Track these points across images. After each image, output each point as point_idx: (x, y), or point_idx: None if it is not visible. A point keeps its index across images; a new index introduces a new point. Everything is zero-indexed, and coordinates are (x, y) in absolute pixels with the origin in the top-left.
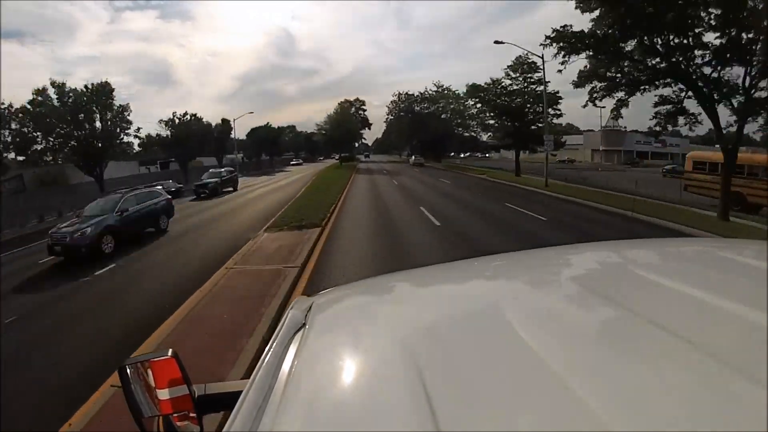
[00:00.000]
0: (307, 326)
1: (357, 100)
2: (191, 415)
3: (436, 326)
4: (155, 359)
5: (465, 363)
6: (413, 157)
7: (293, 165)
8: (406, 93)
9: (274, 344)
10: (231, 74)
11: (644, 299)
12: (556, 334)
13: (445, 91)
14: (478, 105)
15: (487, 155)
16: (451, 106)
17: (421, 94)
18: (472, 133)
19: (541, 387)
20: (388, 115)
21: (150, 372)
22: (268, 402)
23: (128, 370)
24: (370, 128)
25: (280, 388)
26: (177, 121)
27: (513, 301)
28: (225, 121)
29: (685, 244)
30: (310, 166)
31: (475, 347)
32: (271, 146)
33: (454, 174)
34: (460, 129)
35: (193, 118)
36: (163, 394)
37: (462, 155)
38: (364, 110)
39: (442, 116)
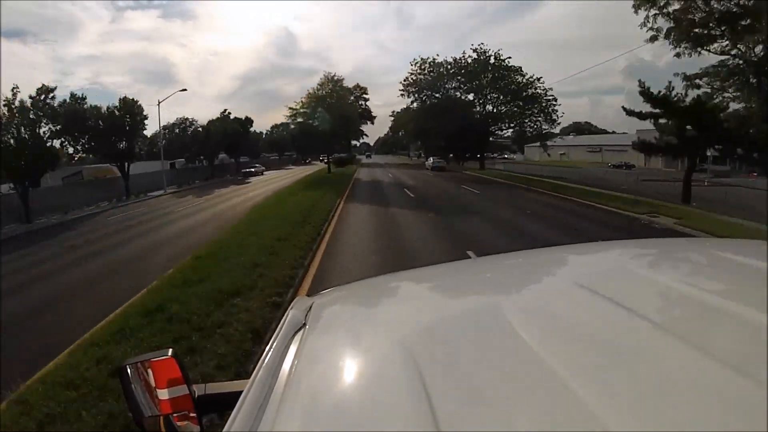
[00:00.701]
0: (307, 326)
1: (357, 87)
2: (191, 415)
3: (436, 326)
4: (155, 359)
5: (465, 363)
6: (431, 159)
7: (253, 173)
8: (432, 60)
9: (274, 344)
10: (232, 74)
11: (644, 299)
12: (556, 334)
13: (494, 60)
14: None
15: (506, 156)
16: (502, 82)
17: (455, 60)
18: (536, 123)
19: (541, 387)
20: (402, 91)
21: (150, 372)
22: (268, 402)
23: (128, 370)
24: (373, 122)
25: (280, 388)
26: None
27: (513, 300)
28: (127, 102)
29: (685, 244)
30: (283, 175)
31: (475, 347)
32: (231, 144)
33: (572, 204)
34: (509, 118)
35: (50, 95)
36: (163, 394)
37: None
38: (366, 99)
39: (489, 95)
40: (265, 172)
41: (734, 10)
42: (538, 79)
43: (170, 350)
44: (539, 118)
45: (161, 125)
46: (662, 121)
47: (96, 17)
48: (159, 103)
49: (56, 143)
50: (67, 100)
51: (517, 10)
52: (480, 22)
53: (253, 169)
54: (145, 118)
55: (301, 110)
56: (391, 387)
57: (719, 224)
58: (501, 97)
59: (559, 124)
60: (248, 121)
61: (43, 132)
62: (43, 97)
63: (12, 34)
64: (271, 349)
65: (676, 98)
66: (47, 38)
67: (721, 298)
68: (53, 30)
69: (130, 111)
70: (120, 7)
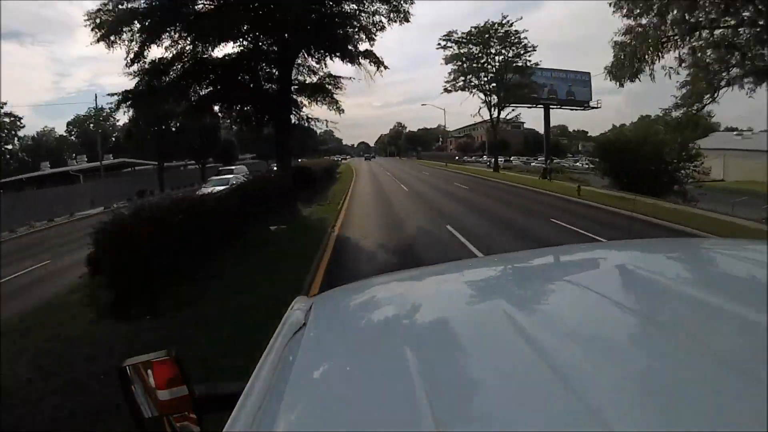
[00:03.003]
0: (307, 326)
1: None
2: (191, 415)
3: (437, 326)
4: (155, 359)
5: (465, 363)
6: None
7: None
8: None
9: (275, 344)
10: None
11: (645, 299)
12: (557, 333)
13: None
14: None
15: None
16: None
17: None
18: None
19: (541, 386)
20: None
21: (150, 372)
22: (268, 402)
23: (128, 371)
24: (373, 40)
25: (280, 387)
26: None
27: (513, 300)
28: None
29: (686, 244)
30: None
31: (475, 347)
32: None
33: None
34: None
35: None
36: (163, 394)
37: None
38: None
39: None
40: None
41: None
42: None
43: (170, 350)
44: None
45: None
46: None
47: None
48: None
49: None
50: None
51: (517, 10)
52: (480, 23)
53: None
54: None
55: None
56: (391, 387)
57: None
58: None
59: None
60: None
61: None
62: None
63: (9, 36)
64: (272, 350)
65: None
66: (45, 39)
67: (721, 298)
68: (51, 31)
69: None
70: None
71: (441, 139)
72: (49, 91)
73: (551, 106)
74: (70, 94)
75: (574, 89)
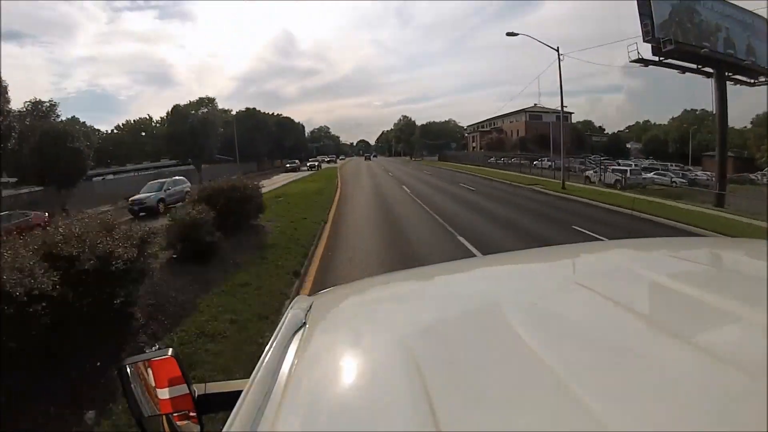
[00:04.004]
0: (307, 326)
1: None
2: (191, 414)
3: (437, 326)
4: (155, 359)
5: (465, 362)
6: None
7: None
8: None
9: (275, 344)
10: (231, 75)
11: (644, 299)
12: (556, 333)
13: None
14: None
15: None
16: None
17: None
18: None
19: (541, 387)
20: None
21: (150, 371)
22: (268, 402)
23: (128, 370)
24: None
25: (280, 387)
26: None
27: (513, 300)
28: None
29: (686, 243)
30: None
31: (475, 347)
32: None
33: None
34: None
35: None
36: (163, 393)
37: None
38: None
39: None
40: None
41: None
42: None
43: (170, 350)
44: None
45: None
46: None
47: (93, 18)
48: None
49: None
50: None
51: (518, 9)
52: (480, 22)
53: None
54: None
55: None
56: (391, 387)
57: None
58: None
59: None
60: None
61: None
62: None
63: (9, 37)
64: (272, 349)
65: None
66: (44, 40)
67: (721, 297)
68: (50, 32)
69: None
70: (117, 8)
71: (462, 135)
72: (49, 92)
73: (727, 73)
74: (71, 95)
75: (754, 44)
